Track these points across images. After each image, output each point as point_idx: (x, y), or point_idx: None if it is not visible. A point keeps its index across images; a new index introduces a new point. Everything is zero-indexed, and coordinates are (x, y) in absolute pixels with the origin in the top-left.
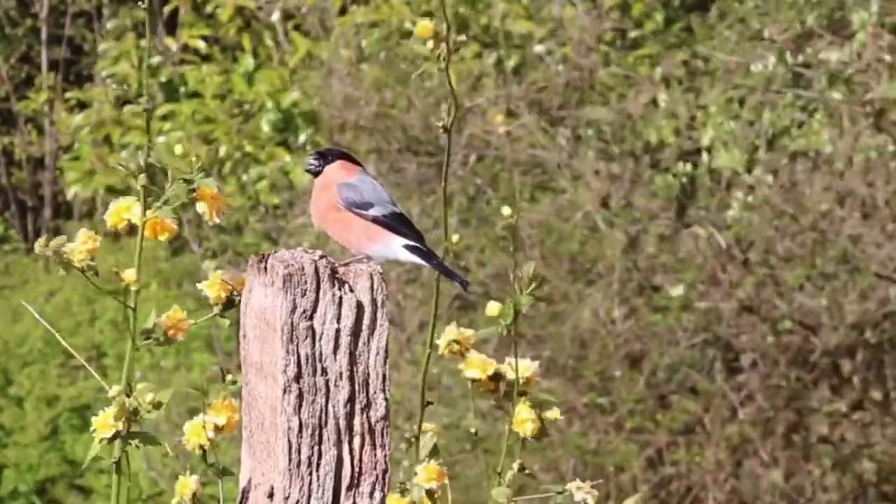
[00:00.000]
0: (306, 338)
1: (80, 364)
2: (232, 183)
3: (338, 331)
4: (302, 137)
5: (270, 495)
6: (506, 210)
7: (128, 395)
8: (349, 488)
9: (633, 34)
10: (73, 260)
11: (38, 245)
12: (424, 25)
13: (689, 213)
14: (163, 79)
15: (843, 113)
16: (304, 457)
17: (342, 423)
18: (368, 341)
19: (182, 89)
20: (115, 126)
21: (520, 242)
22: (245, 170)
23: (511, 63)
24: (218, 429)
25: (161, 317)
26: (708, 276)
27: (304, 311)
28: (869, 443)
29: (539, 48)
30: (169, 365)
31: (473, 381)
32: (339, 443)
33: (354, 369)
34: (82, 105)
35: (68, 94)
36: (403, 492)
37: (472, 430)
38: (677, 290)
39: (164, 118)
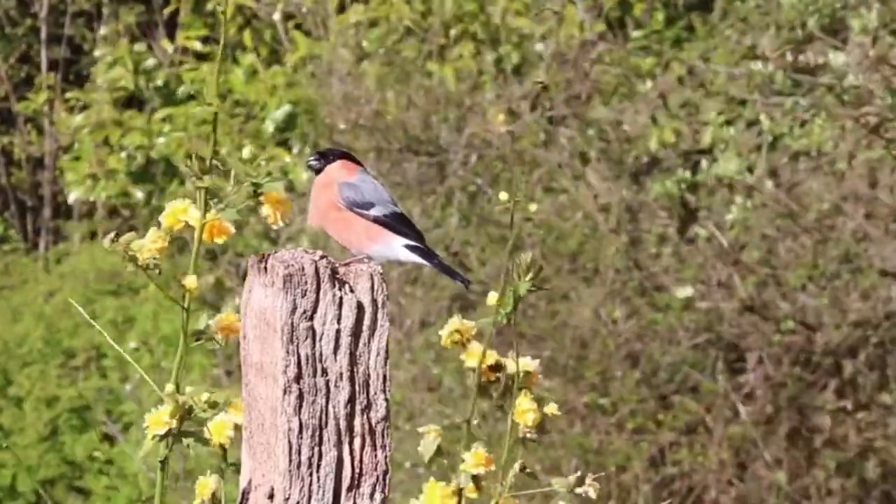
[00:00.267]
0: (306, 338)
1: (79, 365)
2: None
3: (338, 331)
4: (296, 149)
5: (271, 496)
6: (503, 195)
7: (180, 394)
8: (350, 489)
9: (634, 34)
10: (139, 258)
11: (107, 240)
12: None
13: (690, 224)
14: (159, 82)
15: (843, 119)
16: (304, 458)
17: (342, 424)
18: (369, 342)
19: (179, 91)
20: (116, 127)
21: (521, 241)
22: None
23: (512, 60)
24: (237, 427)
25: (213, 319)
26: (713, 278)
27: (305, 312)
28: (871, 444)
29: (539, 46)
30: (169, 366)
31: (473, 370)
32: (339, 444)
33: (355, 370)
34: (83, 105)
35: (68, 95)
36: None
37: (472, 422)
38: (684, 292)
39: (163, 120)
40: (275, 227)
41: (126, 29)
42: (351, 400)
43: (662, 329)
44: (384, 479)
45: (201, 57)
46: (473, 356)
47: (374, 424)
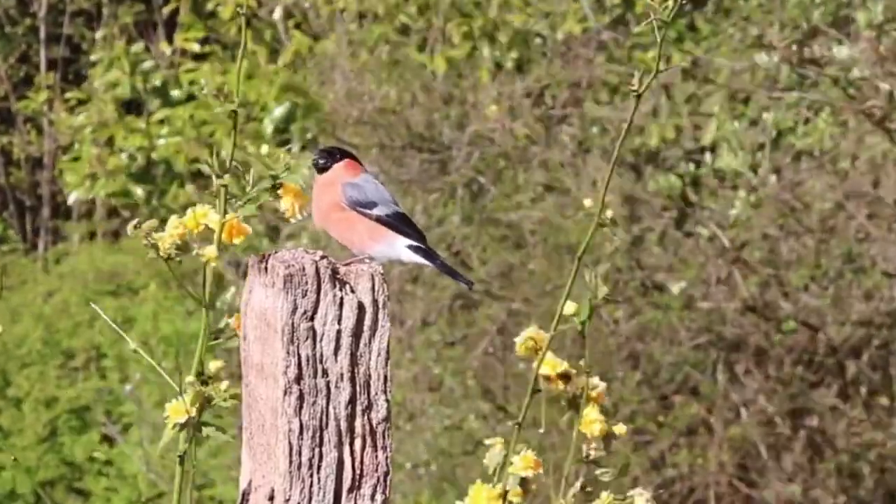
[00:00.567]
0: (307, 339)
1: (78, 365)
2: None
3: (339, 332)
4: (296, 148)
5: (271, 498)
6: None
7: (203, 384)
8: (350, 490)
9: (636, 29)
10: (160, 247)
11: (130, 228)
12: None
13: (690, 218)
14: (157, 83)
15: (848, 113)
16: (304, 459)
17: (343, 425)
18: (370, 342)
19: (177, 92)
20: (118, 127)
21: (522, 240)
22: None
23: (511, 57)
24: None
25: (232, 317)
26: (713, 277)
27: (305, 312)
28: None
29: (539, 41)
30: (169, 366)
31: (545, 378)
32: (340, 445)
33: (355, 370)
34: (81, 102)
35: (68, 94)
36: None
37: (514, 424)
38: (678, 286)
39: (161, 122)
40: (292, 221)
41: (122, 30)
42: (352, 401)
43: (663, 328)
44: (385, 481)
45: (199, 58)
46: (548, 365)
47: (374, 425)
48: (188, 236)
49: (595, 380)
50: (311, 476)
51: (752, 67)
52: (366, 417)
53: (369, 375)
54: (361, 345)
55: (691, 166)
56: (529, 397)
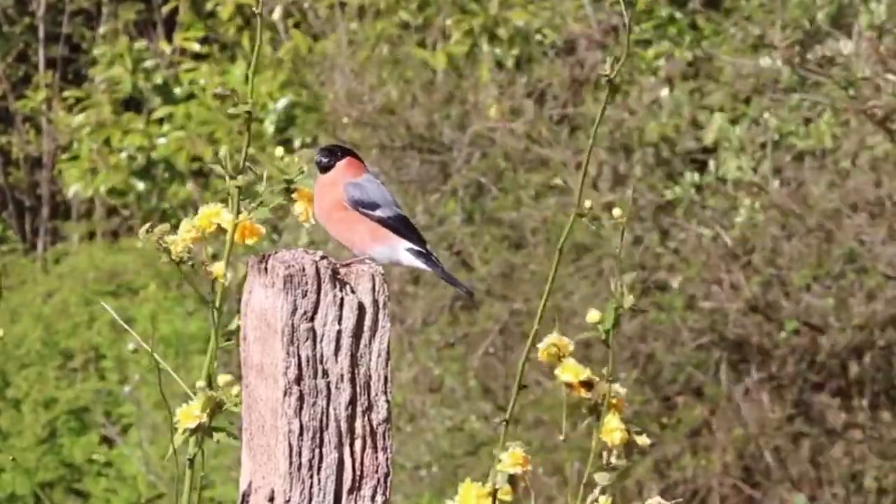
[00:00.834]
0: (307, 339)
1: (77, 366)
2: None
3: (339, 332)
4: (297, 143)
5: (271, 499)
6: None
7: (210, 388)
8: (350, 492)
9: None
10: (171, 251)
11: (142, 232)
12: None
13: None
14: (158, 81)
15: (850, 113)
16: (304, 460)
17: (343, 426)
18: (370, 343)
19: (178, 90)
20: (116, 127)
21: (524, 241)
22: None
23: (513, 54)
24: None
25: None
26: (716, 277)
27: (305, 313)
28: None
29: (540, 38)
30: (168, 367)
31: (567, 384)
32: (340, 446)
33: (356, 371)
34: (79, 101)
35: (66, 93)
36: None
37: (502, 421)
38: (676, 280)
39: (161, 121)
40: (306, 225)
41: (125, 27)
42: (352, 401)
43: (666, 329)
44: (385, 482)
45: (199, 57)
46: (570, 371)
47: (375, 426)
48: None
49: (616, 386)
50: (312, 477)
51: (756, 70)
52: (366, 418)
53: (370, 376)
54: (362, 345)
55: (696, 176)
56: (516, 393)
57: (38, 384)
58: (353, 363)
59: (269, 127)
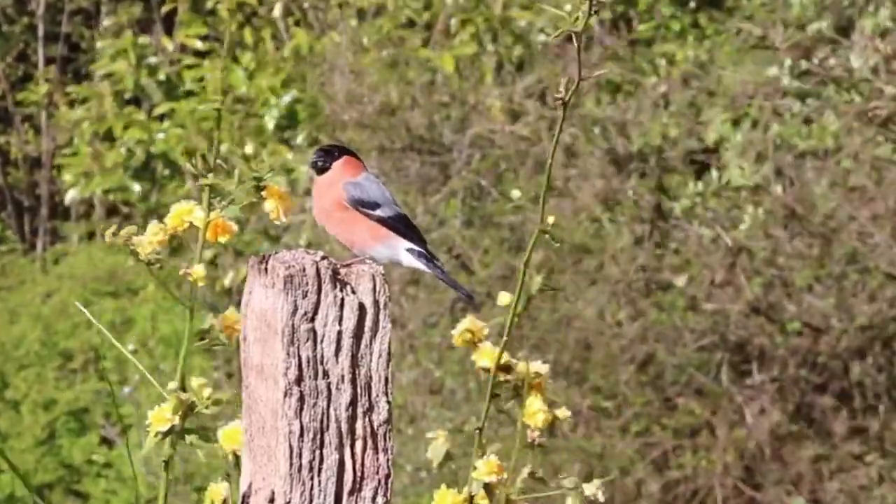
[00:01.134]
0: (307, 340)
1: (76, 367)
2: None
3: (339, 333)
4: (300, 138)
5: (271, 500)
6: (515, 193)
7: (183, 391)
8: (351, 493)
9: (640, 27)
10: (140, 252)
11: (108, 234)
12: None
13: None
14: (161, 77)
15: (852, 115)
16: (305, 461)
17: (344, 427)
18: (370, 343)
19: (180, 87)
20: (117, 120)
21: (524, 242)
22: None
23: (514, 54)
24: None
25: (217, 318)
26: (715, 277)
27: (306, 313)
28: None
29: (541, 38)
30: (168, 368)
31: (485, 370)
32: (340, 447)
33: (356, 372)
34: (84, 101)
35: (69, 89)
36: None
37: (475, 429)
38: (680, 280)
39: (163, 118)
40: (277, 223)
41: (129, 22)
42: (352, 402)
43: (668, 330)
44: (386, 483)
45: (201, 54)
46: (486, 356)
47: (375, 427)
48: (177, 234)
49: (538, 364)
50: (312, 478)
51: (756, 74)
52: (367, 419)
53: (370, 377)
54: (362, 346)
55: (700, 185)
56: (488, 402)
57: (37, 385)
58: (354, 364)
59: (270, 122)
